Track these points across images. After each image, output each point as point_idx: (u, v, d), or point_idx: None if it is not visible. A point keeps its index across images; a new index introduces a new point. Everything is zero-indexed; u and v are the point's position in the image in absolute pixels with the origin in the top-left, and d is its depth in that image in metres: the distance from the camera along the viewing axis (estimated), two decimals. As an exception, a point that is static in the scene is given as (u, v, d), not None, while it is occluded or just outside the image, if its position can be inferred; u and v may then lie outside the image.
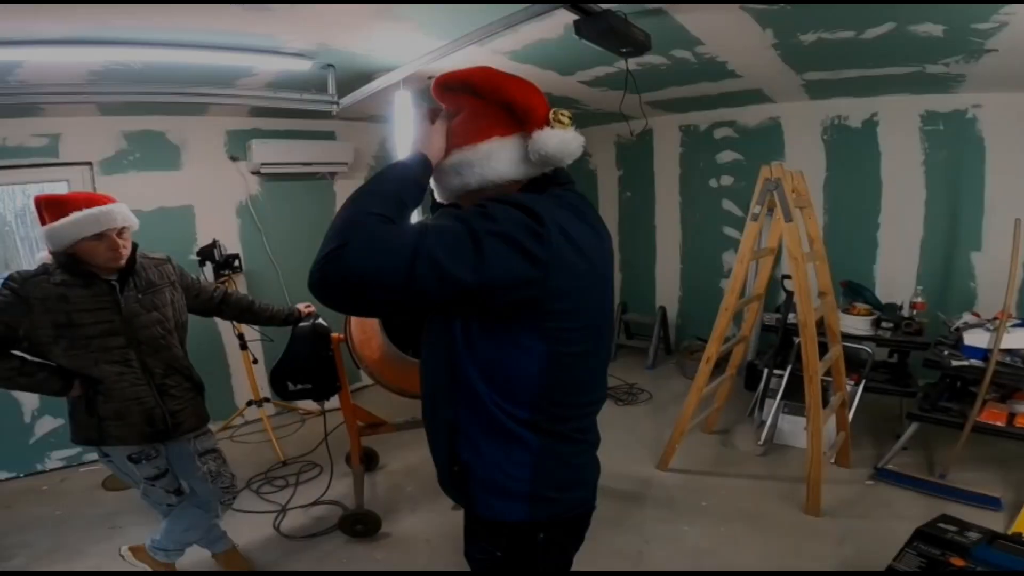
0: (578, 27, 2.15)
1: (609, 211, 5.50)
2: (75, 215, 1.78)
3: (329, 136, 4.29)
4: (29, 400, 3.33)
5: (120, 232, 1.86)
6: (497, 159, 1.03)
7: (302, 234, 4.18)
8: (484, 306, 0.93)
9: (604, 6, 2.06)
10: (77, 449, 3.45)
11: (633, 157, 5.19)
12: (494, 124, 1.04)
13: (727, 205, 4.62)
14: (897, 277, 3.79)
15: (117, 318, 1.87)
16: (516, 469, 1.06)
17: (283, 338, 3.74)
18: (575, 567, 1.30)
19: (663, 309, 4.97)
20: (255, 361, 3.64)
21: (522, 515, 1.09)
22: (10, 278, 1.77)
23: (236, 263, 3.59)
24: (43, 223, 1.82)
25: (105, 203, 1.85)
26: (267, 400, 3.73)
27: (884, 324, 3.14)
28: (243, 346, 3.57)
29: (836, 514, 2.62)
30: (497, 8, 2.09)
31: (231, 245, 3.76)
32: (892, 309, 3.25)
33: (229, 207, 3.92)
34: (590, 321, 1.05)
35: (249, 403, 3.70)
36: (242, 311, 2.39)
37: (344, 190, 4.42)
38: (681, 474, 3.06)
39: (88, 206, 1.81)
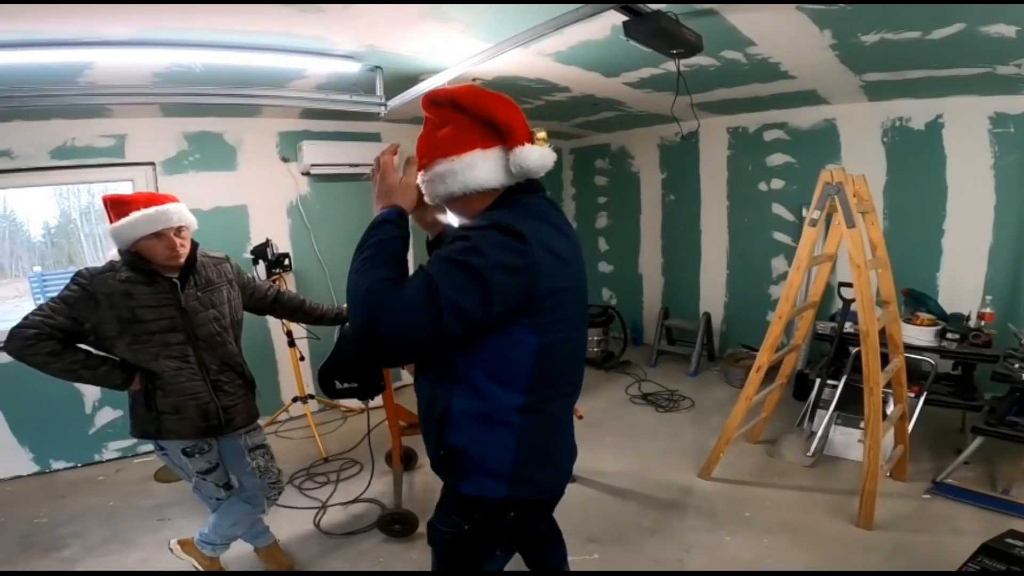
0: (627, 28, 2.13)
1: (652, 214, 5.47)
2: (134, 215, 1.86)
3: (375, 138, 4.40)
4: (91, 392, 3.50)
5: (178, 231, 1.93)
6: (479, 168, 1.16)
7: (348, 234, 4.27)
8: (500, 324, 1.09)
9: (655, 6, 2.05)
10: (133, 440, 3.57)
11: (678, 160, 5.14)
12: (477, 137, 1.17)
13: (777, 209, 4.53)
14: (962, 286, 3.65)
15: (178, 315, 1.94)
16: (502, 450, 1.20)
17: (329, 336, 3.88)
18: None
19: (708, 315, 4.88)
20: (302, 358, 3.77)
21: (503, 493, 1.22)
22: (79, 274, 1.86)
23: (286, 262, 3.71)
24: (110, 222, 1.91)
25: (165, 203, 1.92)
26: (311, 397, 3.85)
27: (950, 335, 3.01)
28: (291, 343, 3.69)
29: (889, 527, 2.54)
30: (545, 9, 2.10)
31: (281, 244, 3.89)
32: (958, 320, 3.11)
33: (280, 207, 4.06)
34: (571, 313, 1.20)
35: (295, 399, 3.83)
36: (293, 310, 2.43)
37: (388, 191, 4.52)
38: (724, 483, 3.01)
39: (147, 206, 1.88)
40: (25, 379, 3.14)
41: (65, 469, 3.50)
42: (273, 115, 3.86)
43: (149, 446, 3.61)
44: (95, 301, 1.82)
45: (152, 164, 3.56)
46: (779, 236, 4.55)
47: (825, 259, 2.91)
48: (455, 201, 1.23)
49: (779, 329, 2.76)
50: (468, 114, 1.17)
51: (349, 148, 4.10)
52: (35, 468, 3.43)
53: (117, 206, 1.89)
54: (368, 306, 1.02)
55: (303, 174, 4.08)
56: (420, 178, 1.26)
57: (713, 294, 5.10)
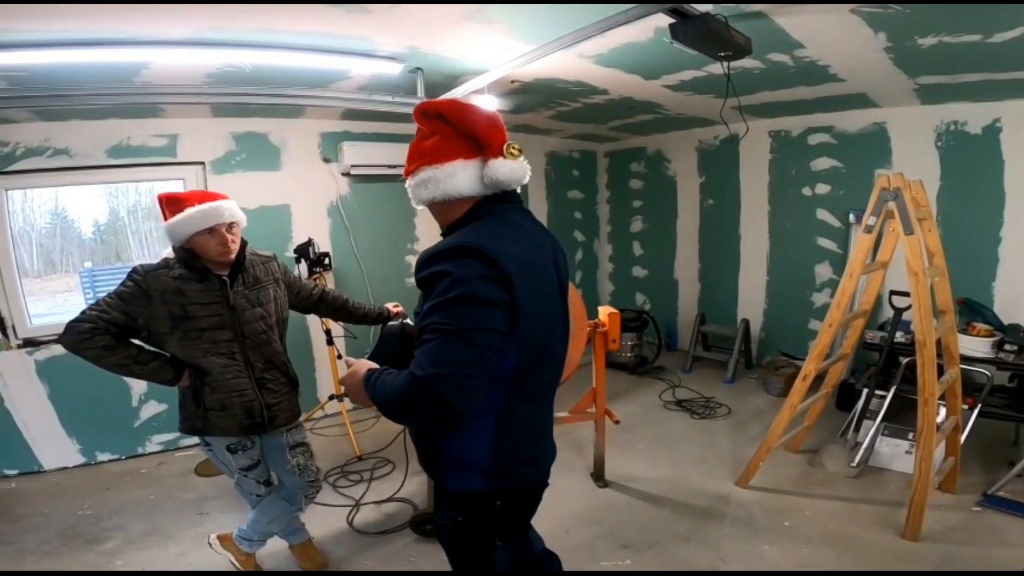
0: (675, 31, 2.14)
1: (689, 219, 5.44)
2: (188, 211, 1.92)
3: (412, 139, 4.47)
4: (138, 386, 3.63)
5: (229, 227, 1.98)
6: (459, 177, 1.27)
7: (386, 234, 4.45)
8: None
9: (703, 7, 2.05)
10: (175, 434, 3.74)
11: (717, 164, 5.10)
12: (459, 149, 1.28)
13: (822, 215, 4.45)
14: (1020, 296, 3.52)
15: (226, 312, 1.99)
16: (479, 449, 1.32)
17: (364, 335, 3.94)
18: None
19: (746, 322, 4.83)
20: (339, 356, 3.82)
21: (482, 485, 1.34)
22: (134, 271, 1.92)
23: (327, 261, 3.79)
24: (165, 219, 1.97)
25: (217, 200, 1.98)
26: (347, 395, 3.93)
27: (1008, 346, 2.93)
28: (329, 341, 3.75)
29: (937, 539, 2.49)
30: (590, 10, 2.12)
31: (322, 244, 3.98)
32: (1016, 331, 3.03)
33: (321, 207, 4.18)
34: (545, 317, 1.33)
35: (331, 397, 3.92)
36: (337, 309, 2.46)
37: (425, 192, 4.63)
38: (762, 492, 2.97)
39: (201, 203, 1.94)
40: (76, 372, 3.27)
41: (110, 461, 3.62)
42: (315, 116, 3.97)
43: (191, 440, 3.73)
44: (148, 297, 1.88)
45: (202, 163, 3.70)
46: (824, 242, 4.47)
47: (878, 267, 2.86)
48: (436, 206, 1.35)
49: (829, 337, 2.72)
50: (453, 127, 1.28)
51: (388, 149, 4.19)
52: (81, 460, 3.57)
53: (172, 203, 1.96)
54: (418, 392, 1.11)
55: (343, 175, 4.19)
56: (408, 183, 1.38)
57: (752, 300, 5.03)
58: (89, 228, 5.28)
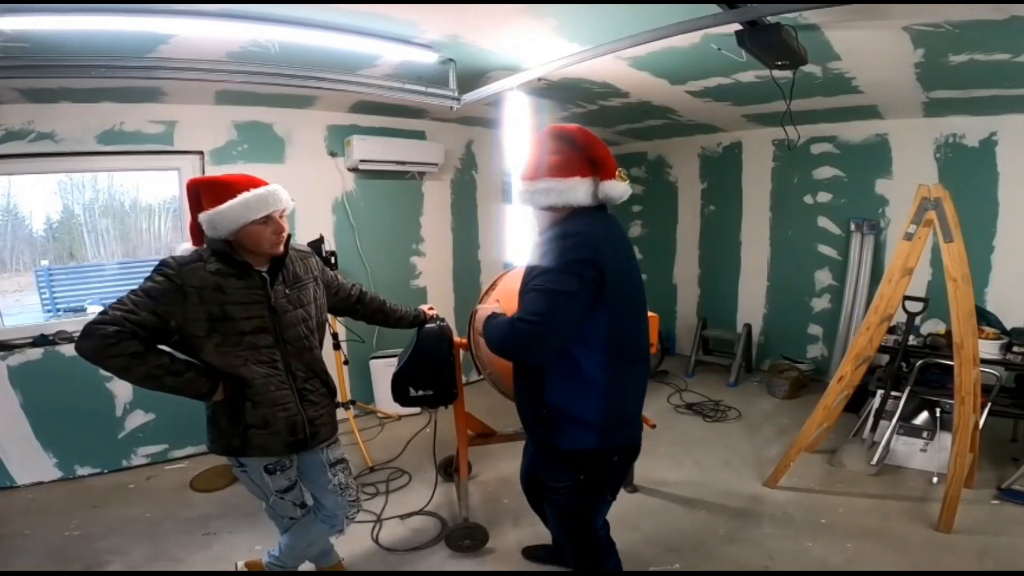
0: (741, 37, 2.26)
1: (689, 224, 5.65)
2: (244, 196, 1.72)
3: (420, 136, 4.47)
4: (123, 393, 3.44)
5: (281, 214, 1.83)
6: (578, 191, 1.61)
7: (392, 234, 4.40)
8: (593, 298, 1.53)
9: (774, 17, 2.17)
10: (163, 445, 3.59)
11: (719, 171, 5.33)
12: (580, 168, 1.61)
13: (823, 222, 4.73)
14: (1010, 302, 3.84)
15: (267, 314, 1.82)
16: (591, 408, 1.61)
17: (370, 337, 3.85)
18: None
19: (748, 327, 5.07)
20: (346, 362, 3.76)
21: (594, 443, 1.63)
22: (164, 264, 1.71)
23: (333, 260, 3.71)
24: (199, 209, 1.75)
25: (263, 184, 1.80)
26: (353, 403, 3.86)
27: (1016, 348, 3.25)
28: (336, 346, 3.67)
29: (970, 531, 2.70)
30: (668, 12, 2.17)
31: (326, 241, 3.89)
32: (1021, 334, 3.36)
33: (326, 203, 4.10)
34: (629, 291, 1.65)
35: (337, 405, 3.83)
36: (375, 311, 2.37)
37: (432, 191, 4.61)
38: (791, 492, 3.14)
39: (253, 187, 1.76)
40: (52, 379, 3.10)
41: (91, 475, 3.43)
42: (324, 107, 3.89)
43: (181, 452, 3.60)
44: (183, 294, 1.67)
45: (200, 153, 3.57)
46: (824, 249, 4.75)
47: (905, 273, 3.10)
48: (549, 210, 1.66)
49: (865, 340, 2.93)
50: (578, 149, 1.62)
51: (397, 145, 4.16)
52: (58, 474, 3.36)
53: (216, 188, 1.75)
54: (511, 332, 1.53)
55: (350, 170, 4.13)
56: (524, 187, 1.68)
57: (752, 305, 5.28)
58: (41, 225, 4.96)
